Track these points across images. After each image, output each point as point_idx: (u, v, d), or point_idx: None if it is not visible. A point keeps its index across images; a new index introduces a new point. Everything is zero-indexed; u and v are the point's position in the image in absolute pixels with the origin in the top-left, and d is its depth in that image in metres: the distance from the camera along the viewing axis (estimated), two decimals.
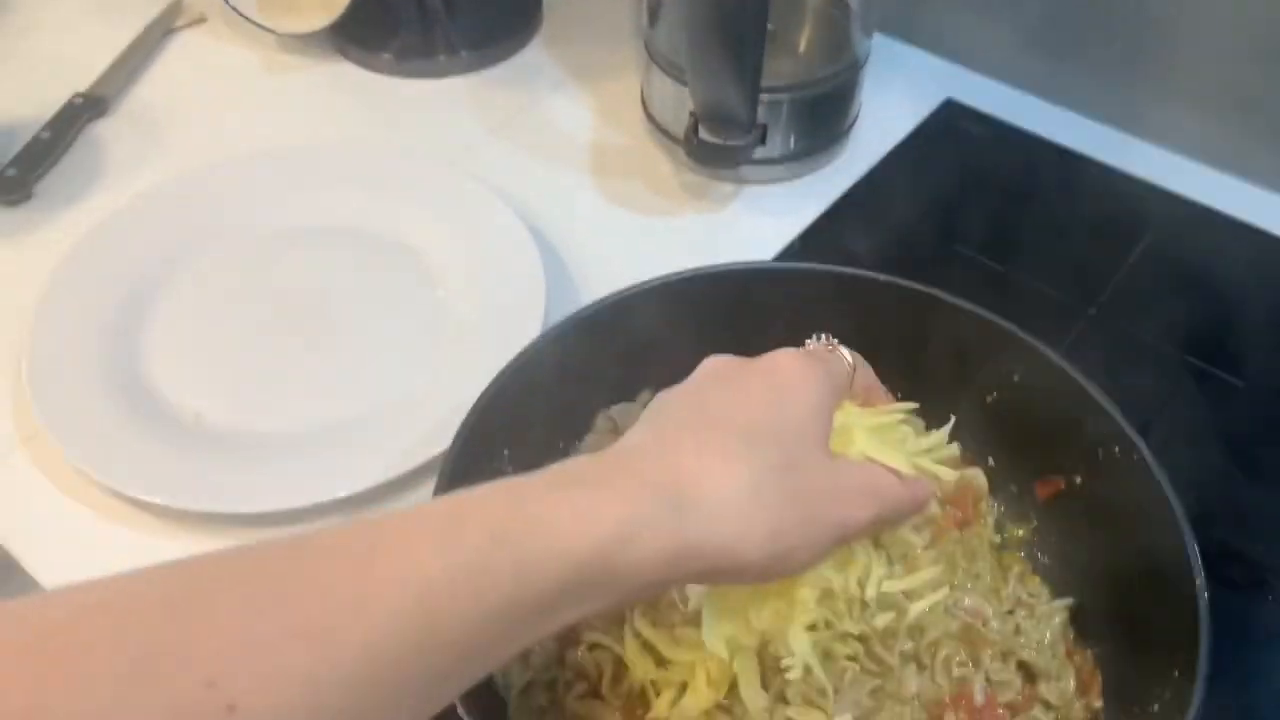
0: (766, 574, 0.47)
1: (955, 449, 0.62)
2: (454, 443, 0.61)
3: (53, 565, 0.70)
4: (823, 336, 0.57)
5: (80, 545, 0.71)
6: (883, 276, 0.69)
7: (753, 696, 0.55)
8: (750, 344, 0.72)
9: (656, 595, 0.59)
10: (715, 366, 0.52)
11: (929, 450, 0.57)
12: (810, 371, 0.51)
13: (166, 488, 0.71)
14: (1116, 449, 0.62)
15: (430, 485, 0.73)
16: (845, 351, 0.56)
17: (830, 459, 0.50)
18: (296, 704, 0.33)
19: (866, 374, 0.58)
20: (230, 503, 0.71)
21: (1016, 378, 0.67)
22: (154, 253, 0.86)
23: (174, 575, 0.36)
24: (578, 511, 0.41)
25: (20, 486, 0.74)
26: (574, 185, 0.96)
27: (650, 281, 0.70)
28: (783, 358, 0.52)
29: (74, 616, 0.33)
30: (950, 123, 1.01)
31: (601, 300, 0.69)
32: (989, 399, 0.69)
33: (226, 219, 0.89)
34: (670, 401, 0.50)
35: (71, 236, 0.86)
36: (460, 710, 0.51)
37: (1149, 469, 0.60)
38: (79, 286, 0.83)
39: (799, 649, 0.53)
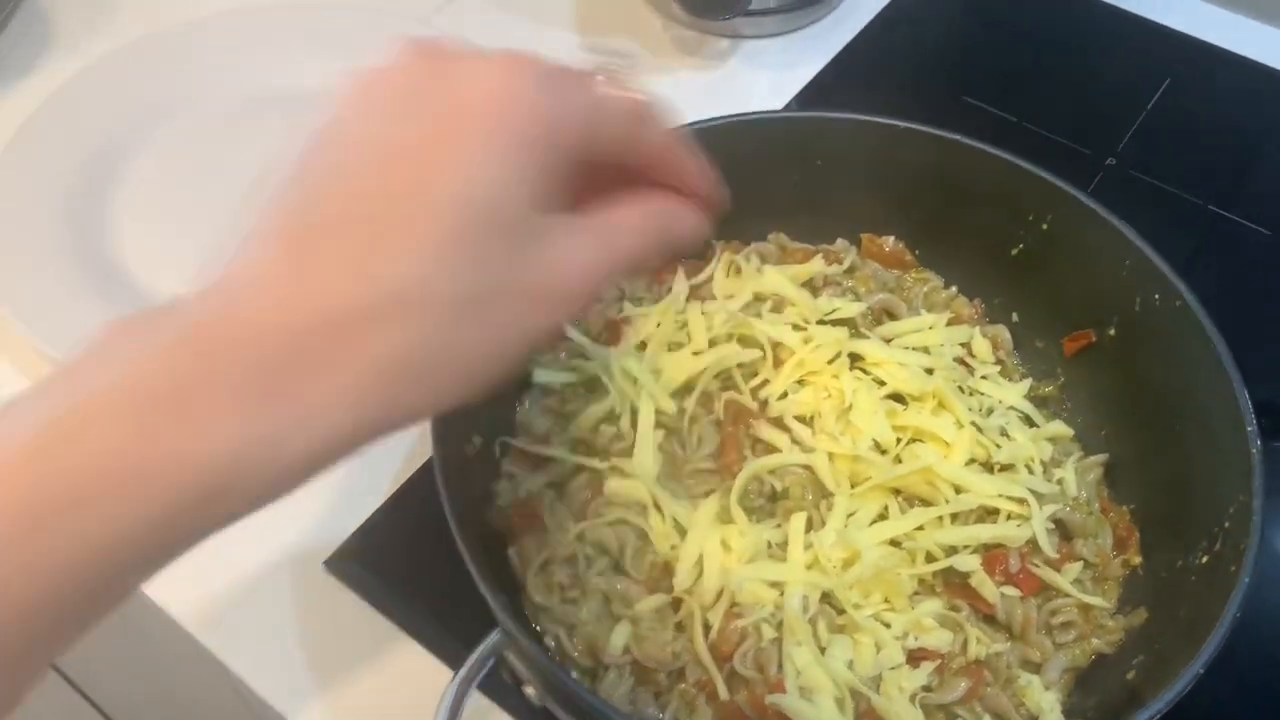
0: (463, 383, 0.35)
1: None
2: None
3: None
4: (622, 52, 0.43)
5: None
6: (900, 122, 0.65)
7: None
8: (762, 200, 0.69)
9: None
10: (392, 80, 0.36)
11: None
12: (516, 89, 0.34)
13: None
14: (1156, 296, 0.59)
15: None
16: (634, 82, 0.39)
17: (525, 245, 0.35)
18: None
19: (649, 120, 0.39)
20: None
21: (1045, 226, 0.64)
22: (115, 124, 0.80)
23: None
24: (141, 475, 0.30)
25: None
26: (558, 44, 0.90)
27: None
28: (489, 64, 0.35)
29: None
30: None
31: None
32: (1014, 251, 0.66)
33: (191, 87, 0.83)
34: (311, 176, 0.36)
35: (23, 111, 0.79)
36: (484, 589, 0.48)
37: (1192, 314, 0.57)
38: (35, 166, 0.77)
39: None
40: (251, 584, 0.61)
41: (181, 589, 0.61)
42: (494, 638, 0.49)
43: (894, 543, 0.57)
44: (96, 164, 0.78)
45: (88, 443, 0.30)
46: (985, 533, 0.57)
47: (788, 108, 0.85)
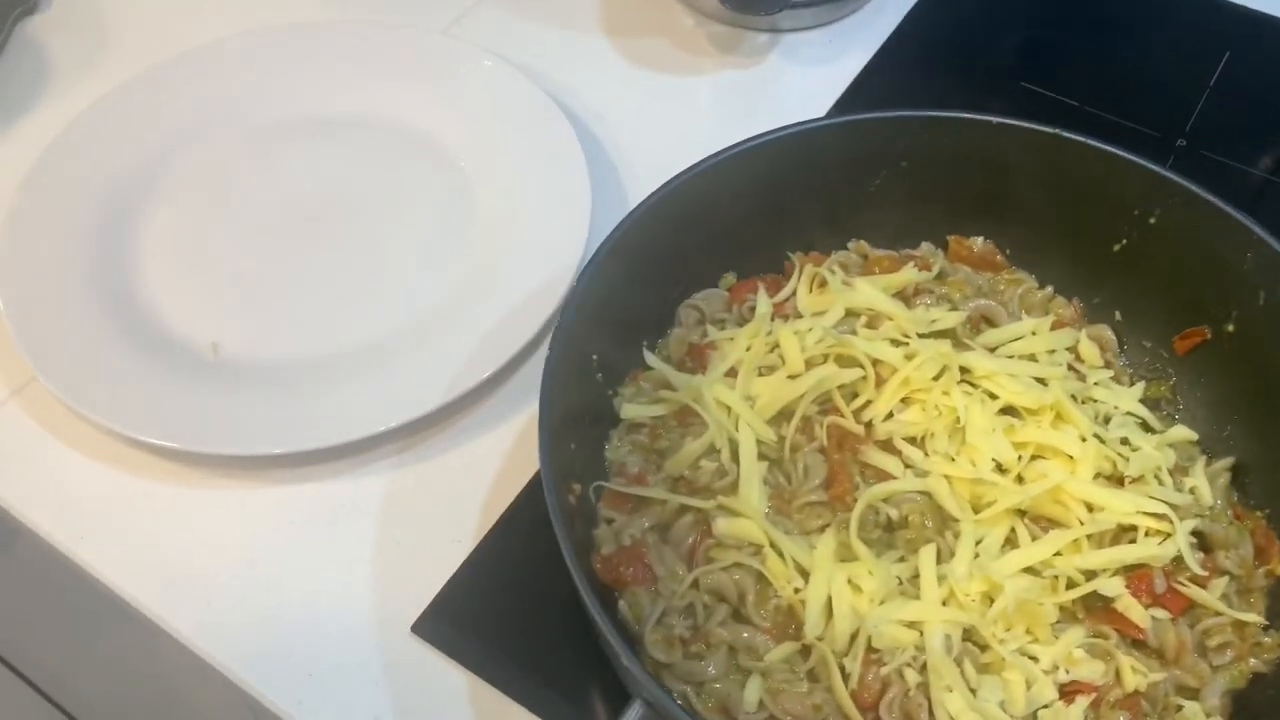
0: None
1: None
2: (552, 350, 0.52)
3: (78, 533, 0.61)
4: None
5: (100, 503, 0.62)
6: (995, 118, 0.61)
7: None
8: (833, 208, 0.65)
9: None
10: None
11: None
12: None
13: (188, 430, 0.62)
14: None
15: (488, 403, 0.65)
16: None
17: None
18: None
19: None
20: (263, 443, 0.62)
21: (1153, 219, 0.60)
22: (131, 161, 0.75)
23: None
24: None
25: (17, 443, 0.64)
26: (588, 49, 0.85)
27: (706, 160, 0.60)
28: None
29: None
30: None
31: (666, 184, 0.59)
32: (1116, 247, 0.62)
33: (206, 116, 0.78)
34: None
35: (28, 153, 0.74)
36: (625, 657, 0.44)
37: None
38: (50, 208, 0.71)
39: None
40: (336, 656, 0.57)
41: (264, 665, 0.56)
42: (635, 711, 0.44)
43: (1031, 570, 0.53)
44: (111, 205, 0.73)
45: None
46: (1130, 554, 0.53)
47: (838, 103, 0.81)
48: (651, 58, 0.84)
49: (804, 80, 0.83)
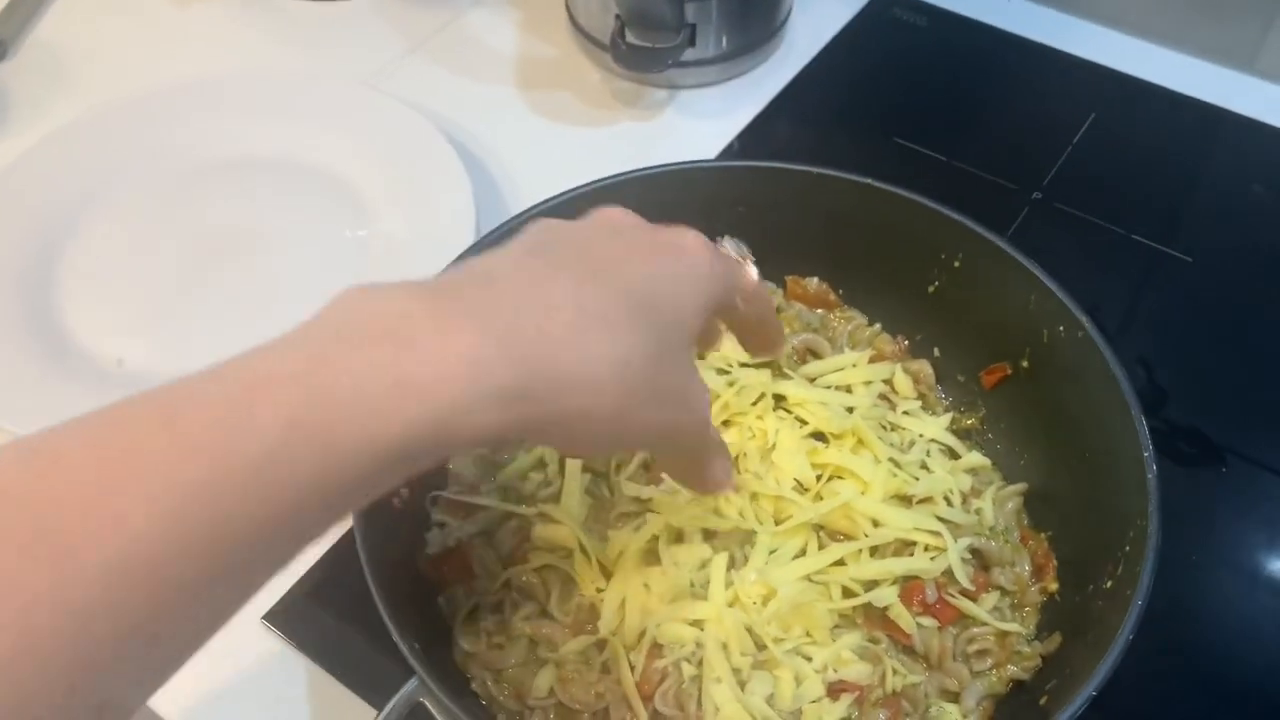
0: (594, 447, 0.44)
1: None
2: None
3: None
4: (740, 242, 0.54)
5: None
6: (815, 169, 0.67)
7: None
8: None
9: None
10: (611, 216, 0.46)
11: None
12: (713, 259, 0.45)
13: None
14: (1061, 329, 0.61)
15: None
16: (753, 267, 0.52)
17: (689, 359, 0.45)
18: (39, 626, 0.29)
19: (764, 298, 0.52)
20: None
21: (957, 263, 0.66)
22: (66, 195, 0.82)
23: None
24: (402, 381, 0.34)
25: None
26: (501, 101, 0.92)
27: (578, 188, 0.67)
28: (690, 234, 0.46)
29: None
30: (885, 13, 0.98)
31: (529, 210, 0.66)
32: (930, 289, 0.68)
33: (140, 156, 0.85)
34: (550, 232, 0.43)
35: None
36: (398, 639, 0.49)
37: (1094, 345, 0.58)
38: None
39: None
40: None
41: None
42: (409, 687, 0.50)
43: (812, 579, 0.58)
44: (46, 235, 0.80)
45: (350, 364, 0.34)
46: (900, 566, 0.58)
47: (724, 153, 0.87)
48: (557, 109, 0.91)
49: (695, 132, 0.89)
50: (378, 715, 0.50)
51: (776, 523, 0.60)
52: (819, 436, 0.64)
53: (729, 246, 0.53)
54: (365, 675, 0.60)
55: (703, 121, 0.90)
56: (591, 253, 0.42)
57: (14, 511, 0.30)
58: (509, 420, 0.36)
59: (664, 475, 0.59)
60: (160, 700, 0.61)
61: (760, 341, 0.54)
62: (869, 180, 0.66)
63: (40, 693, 0.29)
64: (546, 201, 0.66)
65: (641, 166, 0.68)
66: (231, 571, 0.33)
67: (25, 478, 0.31)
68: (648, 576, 0.58)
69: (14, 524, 0.30)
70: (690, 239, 0.45)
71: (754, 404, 0.64)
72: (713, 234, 0.70)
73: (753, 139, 0.88)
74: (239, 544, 0.32)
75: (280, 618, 0.63)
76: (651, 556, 0.59)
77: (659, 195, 0.69)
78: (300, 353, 0.35)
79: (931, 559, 0.58)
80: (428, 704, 0.50)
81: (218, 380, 0.34)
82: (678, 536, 0.60)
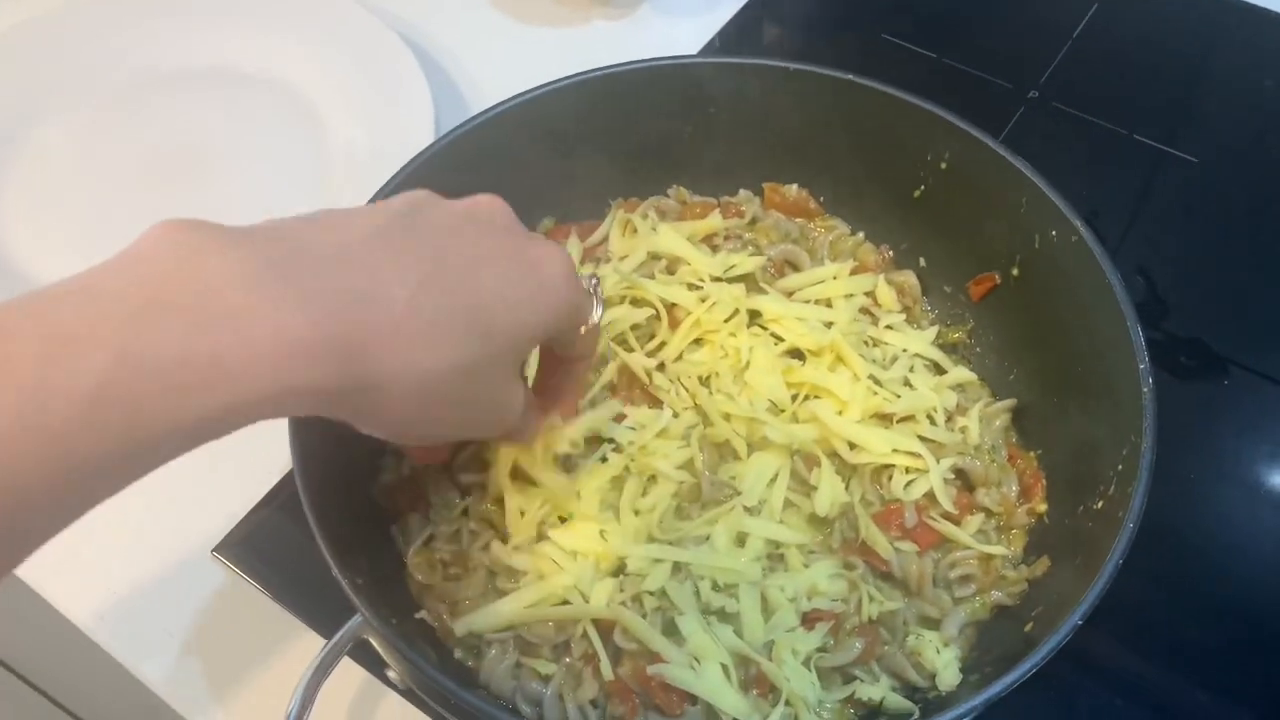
0: (384, 432, 0.43)
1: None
2: None
3: None
4: (594, 279, 0.50)
5: None
6: (791, 64, 0.62)
7: None
8: (658, 152, 0.67)
9: None
10: (488, 209, 0.45)
11: None
12: (570, 286, 0.45)
13: None
14: (1054, 233, 0.57)
15: None
16: (600, 307, 0.50)
17: (511, 372, 0.45)
18: None
19: (594, 342, 0.51)
20: None
21: (944, 165, 0.61)
22: (6, 109, 0.78)
23: None
24: (217, 360, 0.34)
25: None
26: (472, 3, 0.87)
27: (534, 89, 0.62)
28: (558, 255, 0.45)
29: None
30: None
31: (490, 110, 0.61)
32: (916, 193, 0.63)
33: (79, 68, 0.80)
34: (420, 212, 0.42)
35: None
36: (338, 573, 0.46)
37: (1088, 250, 0.54)
38: None
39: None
40: (139, 575, 0.60)
41: (66, 580, 0.60)
42: (353, 622, 0.47)
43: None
44: None
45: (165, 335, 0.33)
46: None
47: (704, 52, 0.82)
48: (523, 7, 0.86)
49: (672, 30, 0.84)
50: (322, 648, 0.47)
51: (750, 445, 0.57)
52: (796, 354, 0.60)
53: (585, 280, 0.49)
54: (316, 606, 0.58)
55: (681, 19, 0.85)
56: (450, 249, 0.41)
57: None
58: (307, 405, 0.37)
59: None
60: (109, 634, 0.58)
61: (560, 389, 0.53)
62: (849, 76, 0.61)
63: None
64: (506, 102, 0.62)
65: (603, 65, 0.64)
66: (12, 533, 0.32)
67: None
68: (604, 522, 0.54)
69: None
70: (555, 261, 0.44)
71: (727, 320, 0.60)
72: (683, 140, 0.67)
73: (736, 37, 0.83)
74: (29, 510, 0.32)
75: (231, 550, 0.60)
76: (618, 484, 0.56)
77: (620, 98, 0.64)
78: (119, 309, 0.34)
79: (911, 480, 0.55)
80: (372, 641, 0.47)
81: (35, 322, 0.33)
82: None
